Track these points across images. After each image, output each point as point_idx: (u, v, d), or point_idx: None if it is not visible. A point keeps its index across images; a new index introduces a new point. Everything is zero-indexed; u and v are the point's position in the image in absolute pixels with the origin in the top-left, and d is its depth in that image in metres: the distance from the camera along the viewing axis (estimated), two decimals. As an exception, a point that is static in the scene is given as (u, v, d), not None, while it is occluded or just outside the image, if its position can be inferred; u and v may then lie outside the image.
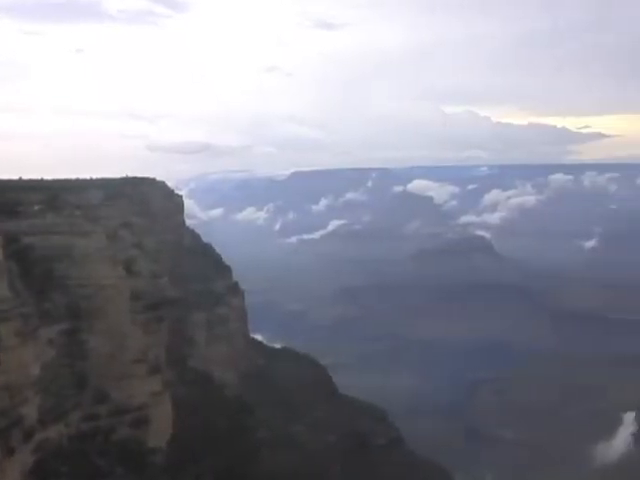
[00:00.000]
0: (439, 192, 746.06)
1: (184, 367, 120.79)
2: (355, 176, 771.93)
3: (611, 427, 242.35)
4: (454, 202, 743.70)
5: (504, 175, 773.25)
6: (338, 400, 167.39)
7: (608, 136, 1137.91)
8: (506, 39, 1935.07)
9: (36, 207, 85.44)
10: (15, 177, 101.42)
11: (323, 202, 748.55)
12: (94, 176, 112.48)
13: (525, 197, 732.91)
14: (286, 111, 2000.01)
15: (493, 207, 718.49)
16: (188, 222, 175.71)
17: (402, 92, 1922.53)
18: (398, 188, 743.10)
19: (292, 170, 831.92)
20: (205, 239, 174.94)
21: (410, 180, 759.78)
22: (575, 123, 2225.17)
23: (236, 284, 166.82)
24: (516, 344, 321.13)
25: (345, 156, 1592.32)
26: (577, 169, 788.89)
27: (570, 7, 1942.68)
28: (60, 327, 75.75)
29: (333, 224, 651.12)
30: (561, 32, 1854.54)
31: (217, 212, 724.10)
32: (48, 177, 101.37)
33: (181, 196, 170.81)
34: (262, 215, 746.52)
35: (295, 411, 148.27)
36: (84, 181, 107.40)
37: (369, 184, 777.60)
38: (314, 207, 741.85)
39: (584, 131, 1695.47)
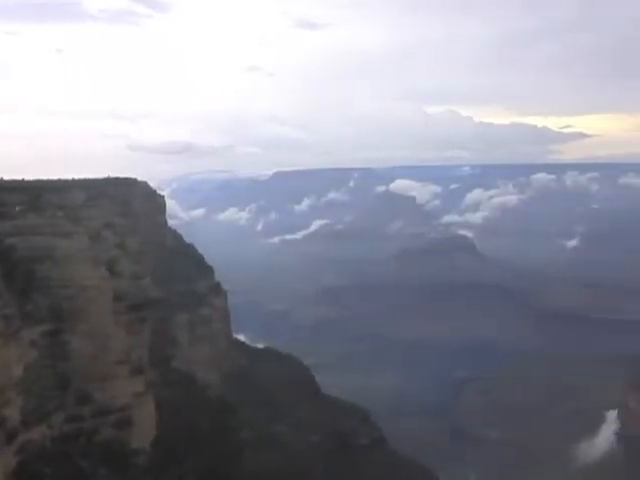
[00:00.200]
0: (421, 192, 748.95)
1: (167, 368, 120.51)
2: (337, 176, 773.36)
3: (594, 426, 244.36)
4: (436, 202, 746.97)
5: (486, 175, 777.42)
6: (321, 400, 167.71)
7: (589, 136, 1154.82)
8: (488, 39, 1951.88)
9: (18, 208, 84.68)
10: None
11: (305, 202, 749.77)
12: (76, 176, 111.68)
13: (507, 197, 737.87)
14: (268, 111, 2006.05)
15: (475, 207, 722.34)
16: (170, 222, 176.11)
17: (384, 92, 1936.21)
18: (380, 188, 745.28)
19: (274, 170, 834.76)
20: (187, 239, 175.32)
21: (392, 180, 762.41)
22: (557, 123, 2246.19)
23: (218, 284, 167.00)
24: (501, 344, 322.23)
25: (327, 156, 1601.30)
26: (559, 169, 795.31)
27: (552, 7, 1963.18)
28: (42, 328, 75.27)
29: (315, 224, 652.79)
30: (543, 32, 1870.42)
31: (199, 212, 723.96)
32: (30, 177, 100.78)
33: (163, 196, 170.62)
34: (244, 215, 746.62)
35: (278, 411, 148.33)
36: (66, 182, 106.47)
37: (351, 184, 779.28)
38: (296, 207, 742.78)
39: (565, 131, 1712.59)
